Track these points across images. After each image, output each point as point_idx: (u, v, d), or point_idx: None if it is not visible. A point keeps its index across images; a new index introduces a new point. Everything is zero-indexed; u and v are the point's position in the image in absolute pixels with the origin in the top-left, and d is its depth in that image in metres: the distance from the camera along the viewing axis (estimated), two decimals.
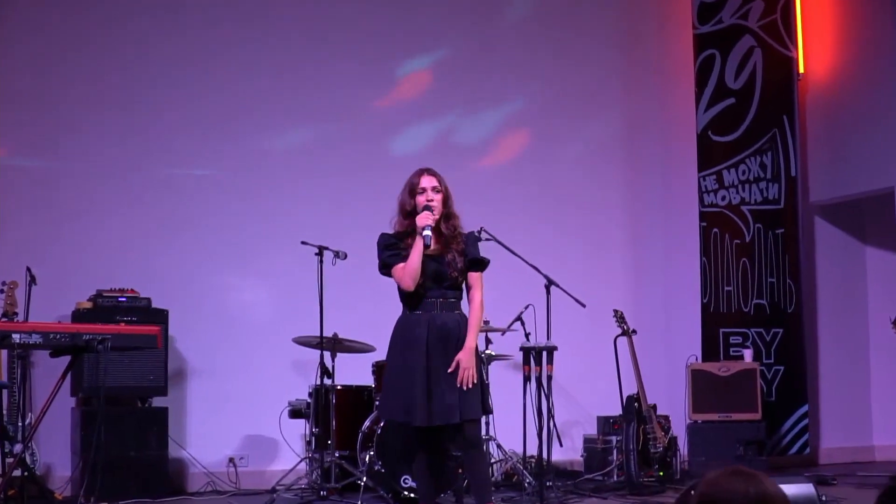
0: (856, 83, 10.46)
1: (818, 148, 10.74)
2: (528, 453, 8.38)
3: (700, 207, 10.33)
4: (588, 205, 10.29)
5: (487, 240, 8.12)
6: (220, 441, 8.98)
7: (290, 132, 9.66)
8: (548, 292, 7.84)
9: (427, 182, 6.05)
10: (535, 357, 7.85)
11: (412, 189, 6.05)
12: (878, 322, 10.84)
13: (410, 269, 5.97)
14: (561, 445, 8.62)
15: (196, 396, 9.08)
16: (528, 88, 10.36)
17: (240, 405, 9.07)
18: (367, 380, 8.48)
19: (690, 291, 10.35)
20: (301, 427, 8.73)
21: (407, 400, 5.93)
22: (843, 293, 11.03)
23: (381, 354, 8.28)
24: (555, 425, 8.05)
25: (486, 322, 8.57)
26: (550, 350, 7.86)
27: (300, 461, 8.64)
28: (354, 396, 8.45)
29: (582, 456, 9.63)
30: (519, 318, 8.64)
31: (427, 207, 6.00)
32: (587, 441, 9.61)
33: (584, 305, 8.24)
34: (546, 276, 7.87)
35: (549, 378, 7.81)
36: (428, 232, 5.94)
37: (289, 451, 8.96)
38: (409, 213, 6.04)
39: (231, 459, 9.02)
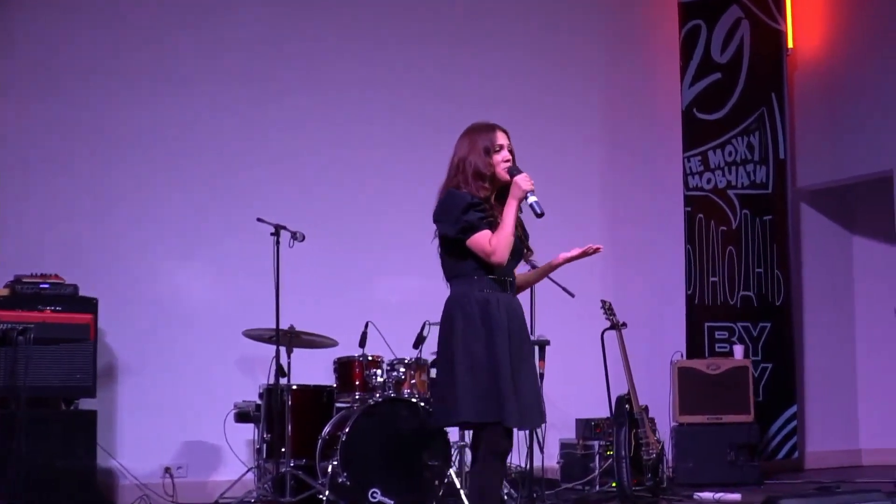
0: (849, 59, 9.79)
1: (807, 129, 10.06)
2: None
3: (685, 191, 9.55)
4: (566, 186, 9.41)
5: None
6: (154, 449, 8.12)
7: (243, 97, 8.73)
8: None
9: (503, 139, 5.05)
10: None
11: (488, 147, 5.00)
12: (865, 317, 10.37)
13: (509, 237, 4.89)
14: (542, 452, 7.74)
15: (128, 398, 8.17)
16: (503, 61, 9.53)
17: (178, 408, 8.20)
18: (328, 379, 7.70)
19: (674, 282, 9.60)
20: (249, 432, 7.97)
21: (499, 397, 4.83)
22: (829, 286, 10.37)
23: (343, 350, 7.61)
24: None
25: None
26: (542, 344, 7.10)
27: (247, 471, 7.83)
28: (313, 398, 7.59)
29: (559, 463, 8.77)
30: None
31: (515, 169, 4.98)
32: (565, 446, 8.75)
33: (573, 295, 7.56)
34: (531, 263, 7.11)
35: (541, 376, 6.94)
36: (535, 198, 4.91)
37: (234, 460, 8.13)
38: (486, 175, 4.98)
39: (167, 469, 8.16)
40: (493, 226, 4.87)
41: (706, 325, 9.53)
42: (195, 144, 8.52)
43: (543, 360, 7.16)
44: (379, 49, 9.14)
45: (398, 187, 8.91)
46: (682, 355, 9.24)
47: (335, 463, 6.98)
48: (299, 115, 8.81)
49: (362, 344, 7.48)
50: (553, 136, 9.56)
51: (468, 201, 4.86)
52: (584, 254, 5.11)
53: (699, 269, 9.54)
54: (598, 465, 8.41)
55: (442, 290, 8.89)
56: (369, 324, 7.52)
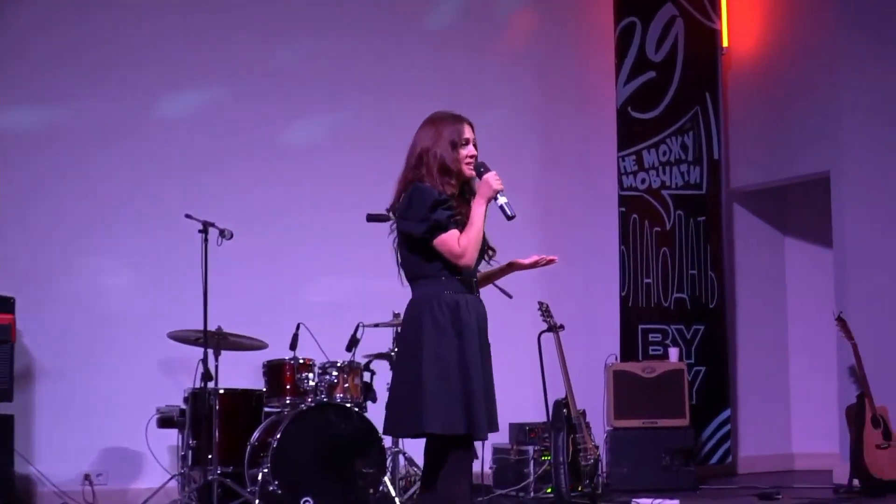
0: (784, 59, 9.70)
1: (741, 129, 9.97)
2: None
3: (619, 191, 9.40)
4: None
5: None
6: (74, 455, 7.85)
7: (170, 88, 8.45)
8: None
9: (469, 132, 4.76)
10: None
11: (454, 140, 4.70)
12: (798, 320, 10.31)
13: (478, 239, 4.61)
14: (476, 458, 7.51)
15: (46, 402, 7.87)
16: (432, 56, 9.31)
17: (99, 412, 7.91)
18: (257, 382, 7.48)
19: (608, 283, 9.44)
20: (172, 438, 7.62)
21: (469, 406, 4.54)
22: (761, 288, 10.29)
23: (273, 352, 7.38)
24: None
25: (396, 315, 7.47)
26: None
27: (171, 478, 7.55)
28: (241, 402, 7.38)
29: (491, 468, 8.56)
30: None
31: (483, 166, 4.69)
32: (498, 451, 8.56)
33: (510, 296, 7.26)
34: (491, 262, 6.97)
35: None
36: (506, 199, 4.66)
37: (157, 468, 7.83)
38: (453, 171, 4.69)
39: (87, 476, 7.90)
40: (461, 225, 4.61)
41: (640, 327, 9.40)
42: (119, 136, 8.21)
43: None
44: (312, 41, 8.88)
45: (330, 185, 8.67)
46: (616, 358, 9.10)
47: (265, 470, 6.78)
48: (229, 109, 8.54)
49: (293, 346, 7.26)
50: (484, 133, 9.28)
51: (436, 198, 4.57)
52: (536, 264, 4.87)
53: (633, 270, 9.41)
54: (532, 470, 8.22)
55: (375, 291, 8.63)
56: (301, 325, 7.31)
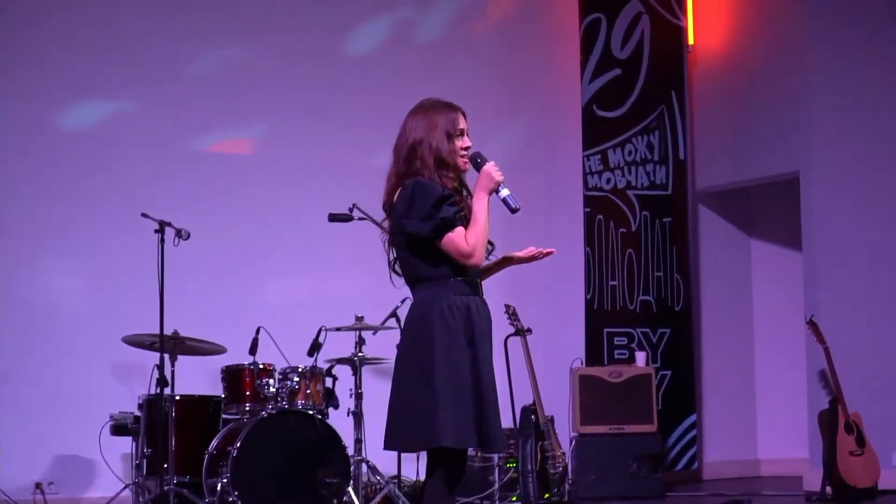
0: (752, 57, 9.56)
1: (707, 128, 9.82)
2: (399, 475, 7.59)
3: (584, 191, 9.24)
4: None
5: (361, 219, 7.07)
6: (24, 463, 7.75)
7: (127, 82, 8.26)
8: None
9: (463, 122, 4.48)
10: None
11: (449, 131, 4.43)
12: (763, 323, 10.17)
13: (485, 236, 4.35)
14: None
15: None
16: (393, 51, 9.11)
17: (50, 419, 7.83)
18: (214, 389, 7.32)
19: (573, 285, 9.27)
20: (126, 446, 7.45)
21: (481, 419, 4.28)
22: (727, 291, 10.14)
23: (232, 357, 7.21)
24: None
25: (360, 318, 7.28)
26: None
27: (124, 488, 7.41)
28: (198, 409, 7.18)
29: None
30: (394, 314, 7.42)
31: (480, 157, 4.43)
32: None
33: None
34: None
35: None
36: (508, 191, 4.40)
37: (110, 476, 7.66)
38: (450, 164, 4.43)
39: (38, 485, 7.75)
40: (464, 221, 4.34)
41: (605, 330, 9.24)
42: (73, 132, 8.06)
43: None
44: (268, 40, 8.66)
45: (290, 185, 8.47)
46: (581, 362, 8.92)
47: (225, 480, 6.60)
48: (186, 107, 8.33)
49: (253, 351, 7.07)
50: None
51: (440, 194, 4.29)
52: (534, 258, 4.63)
53: (598, 272, 9.25)
54: (497, 478, 8.03)
55: (338, 293, 8.47)
56: (261, 329, 7.12)
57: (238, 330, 7.23)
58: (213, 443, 6.84)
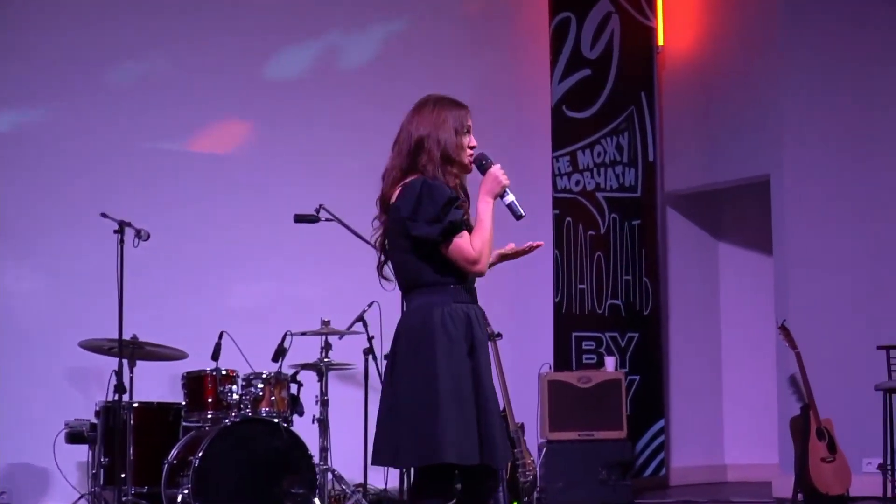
0: (722, 58, 9.45)
1: (676, 130, 9.70)
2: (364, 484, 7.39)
3: (553, 193, 9.08)
4: None
5: (328, 220, 6.89)
6: None
7: (89, 81, 8.00)
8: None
9: (470, 120, 4.29)
10: None
11: (457, 128, 4.22)
12: (731, 328, 10.07)
13: (491, 241, 4.17)
14: (407, 472, 7.16)
15: None
16: (358, 50, 8.89)
17: (2, 426, 7.49)
18: (174, 395, 7.10)
19: (541, 288, 9.10)
20: (82, 455, 7.27)
21: (484, 433, 4.06)
22: (694, 295, 10.02)
23: (193, 363, 7.00)
24: None
25: (326, 323, 7.09)
26: None
27: (80, 497, 7.21)
28: (158, 417, 7.00)
29: None
30: (361, 319, 7.23)
31: (486, 158, 4.25)
32: None
33: None
34: None
35: None
36: (513, 196, 4.22)
37: (65, 486, 7.43)
38: (456, 161, 4.22)
39: None
40: (468, 226, 4.15)
41: (574, 334, 9.08)
42: (28, 130, 7.82)
43: None
44: (228, 40, 8.42)
45: (254, 185, 8.24)
46: (549, 367, 8.76)
47: (186, 491, 6.42)
48: (148, 104, 8.10)
49: (215, 357, 6.86)
50: None
51: (449, 195, 4.08)
52: (520, 252, 4.48)
53: (567, 275, 9.09)
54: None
55: (304, 297, 8.26)
56: (223, 334, 6.92)
57: (200, 334, 7.03)
58: (174, 452, 6.64)
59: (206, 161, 8.21)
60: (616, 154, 9.30)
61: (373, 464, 4.30)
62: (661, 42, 9.63)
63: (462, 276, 4.15)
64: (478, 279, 4.28)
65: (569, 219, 9.09)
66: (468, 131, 4.23)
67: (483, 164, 4.22)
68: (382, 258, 4.27)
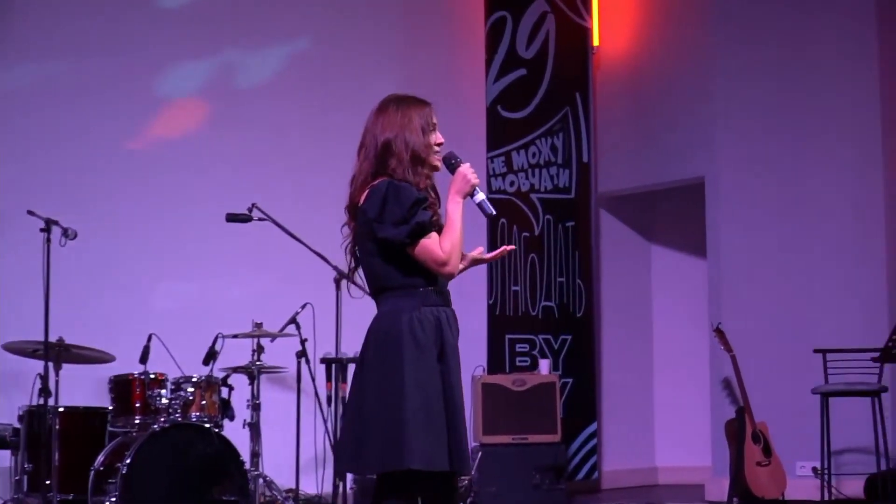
0: (656, 60, 9.39)
1: (610, 131, 9.62)
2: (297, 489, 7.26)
3: (487, 193, 8.93)
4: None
5: (261, 220, 6.76)
6: None
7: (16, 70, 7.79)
8: (337, 287, 6.70)
9: (436, 117, 4.24)
10: (342, 370, 6.27)
11: (424, 126, 4.15)
12: (662, 331, 10.02)
13: (460, 242, 4.09)
14: (342, 480, 7.03)
15: None
16: (287, 46, 8.70)
17: None
18: (101, 400, 6.89)
19: (475, 290, 8.95)
20: (5, 460, 7.02)
21: (452, 438, 3.98)
22: (627, 297, 9.96)
23: (121, 366, 6.81)
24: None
25: (259, 325, 6.93)
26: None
27: None
28: (84, 422, 6.78)
29: (351, 489, 8.00)
30: (293, 321, 7.08)
31: (455, 157, 4.18)
32: None
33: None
34: (336, 268, 6.65)
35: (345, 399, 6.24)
36: (484, 194, 4.16)
37: None
38: (425, 161, 4.13)
39: None
40: (437, 227, 4.07)
41: (507, 337, 8.98)
42: None
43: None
44: (164, 35, 8.21)
45: (185, 183, 8.03)
46: (483, 370, 8.65)
47: (113, 499, 6.22)
48: (75, 98, 7.86)
49: (144, 360, 6.69)
50: (345, 128, 8.72)
51: (416, 196, 4.00)
52: (493, 257, 4.44)
53: (501, 277, 8.98)
54: None
55: (235, 298, 8.08)
56: (152, 336, 6.74)
57: (128, 337, 6.86)
58: (100, 458, 6.44)
59: (137, 159, 7.98)
60: (551, 155, 9.22)
61: (336, 469, 4.25)
62: (596, 42, 9.55)
63: (432, 279, 4.08)
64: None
65: (503, 220, 8.98)
66: (434, 128, 4.17)
67: (452, 164, 4.16)
68: (353, 264, 4.19)
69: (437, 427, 3.95)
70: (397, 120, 4.10)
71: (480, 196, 4.13)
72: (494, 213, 4.17)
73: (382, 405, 3.96)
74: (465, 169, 4.12)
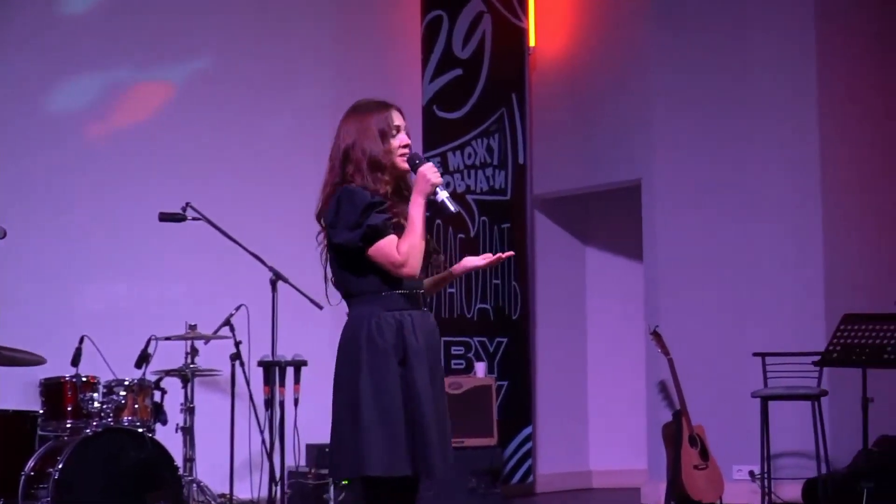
0: (593, 61, 9.32)
1: (546, 132, 9.54)
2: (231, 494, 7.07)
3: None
4: (293, 185, 8.40)
5: (195, 219, 6.60)
6: None
7: None
8: (274, 289, 6.56)
9: (399, 119, 4.19)
10: (280, 374, 6.11)
11: (384, 130, 4.11)
12: (598, 333, 9.95)
13: (420, 243, 4.02)
14: (277, 484, 6.89)
15: None
16: (213, 41, 8.49)
17: None
18: (31, 403, 6.66)
19: None
20: None
21: (418, 443, 3.96)
22: (562, 300, 9.89)
23: (52, 369, 6.61)
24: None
25: (193, 327, 6.77)
26: (299, 365, 6.18)
27: None
28: (13, 426, 6.52)
29: (286, 493, 7.84)
30: (227, 323, 6.94)
31: (418, 158, 4.15)
32: (294, 475, 7.86)
33: (321, 307, 6.68)
34: (272, 269, 6.60)
35: (296, 402, 6.11)
36: (447, 193, 4.09)
37: None
38: (385, 166, 4.09)
39: None
40: (399, 229, 4.02)
41: (443, 339, 8.86)
42: None
43: (299, 384, 6.32)
44: (90, 27, 7.99)
45: (117, 180, 7.81)
46: None
47: None
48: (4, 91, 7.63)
49: (75, 362, 6.45)
50: (279, 129, 8.62)
51: (368, 200, 3.98)
52: (490, 264, 4.32)
53: None
54: (333, 496, 7.58)
55: (168, 299, 7.90)
56: (85, 338, 6.52)
57: (59, 339, 6.67)
58: (31, 463, 6.21)
59: (68, 158, 7.75)
60: (487, 156, 9.15)
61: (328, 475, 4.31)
62: (532, 43, 9.49)
63: (396, 282, 4.03)
64: None
65: (438, 221, 8.88)
66: (398, 131, 4.13)
67: (415, 164, 4.12)
68: (327, 272, 4.16)
69: (396, 434, 3.94)
70: (355, 127, 4.11)
71: (443, 194, 4.08)
72: (455, 210, 4.11)
73: (344, 413, 3.99)
74: (426, 169, 4.07)
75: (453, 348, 8.92)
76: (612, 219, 9.86)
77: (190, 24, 8.35)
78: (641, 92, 8.83)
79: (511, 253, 4.51)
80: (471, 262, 4.28)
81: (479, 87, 9.16)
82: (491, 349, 9.04)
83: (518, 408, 9.11)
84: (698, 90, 8.63)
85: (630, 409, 9.42)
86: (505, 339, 9.11)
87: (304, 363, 6.47)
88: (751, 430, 7.86)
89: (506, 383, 9.04)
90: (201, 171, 8.02)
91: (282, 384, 6.31)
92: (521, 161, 9.26)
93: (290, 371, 6.37)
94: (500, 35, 9.28)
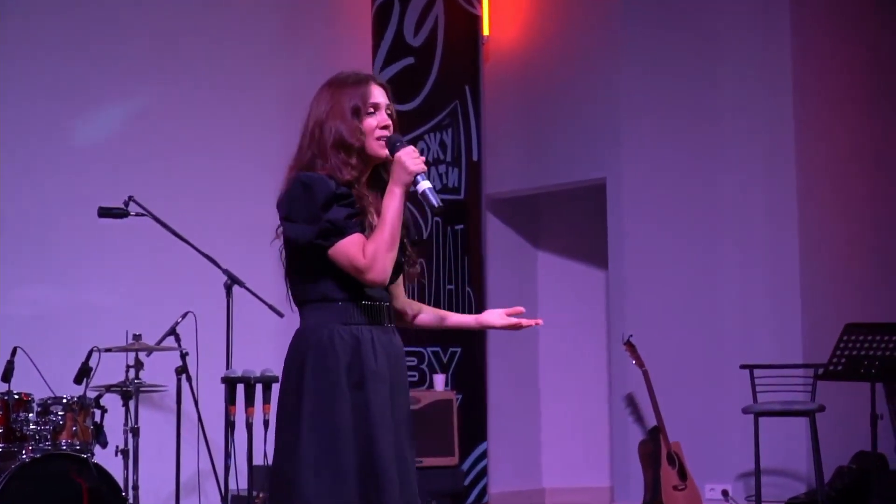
0: (554, 51, 8.77)
1: (501, 128, 8.98)
2: None
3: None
4: (244, 181, 7.74)
5: (139, 215, 5.96)
6: None
7: None
8: (228, 294, 6.06)
9: (379, 96, 3.52)
10: (247, 392, 5.43)
11: (357, 106, 3.46)
12: (550, 343, 9.37)
13: (391, 243, 3.40)
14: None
15: None
16: (152, 28, 7.76)
17: None
18: None
19: None
20: None
21: (370, 477, 3.32)
22: (513, 306, 9.24)
23: None
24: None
25: (137, 337, 6.06)
26: (269, 382, 5.50)
27: None
28: None
29: None
30: (173, 332, 6.30)
31: (399, 140, 3.48)
32: (237, 500, 7.13)
33: (281, 315, 6.09)
34: (227, 272, 6.08)
35: (266, 423, 5.46)
36: (429, 183, 3.44)
37: None
38: (354, 148, 3.43)
39: None
40: (369, 227, 3.41)
41: None
42: None
43: (269, 404, 5.63)
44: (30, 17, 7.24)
45: (49, 174, 7.04)
46: None
47: None
48: None
49: (7, 377, 5.74)
50: (226, 118, 7.89)
51: (331, 191, 3.34)
52: (514, 327, 3.81)
53: None
54: None
55: (109, 306, 7.14)
56: (17, 350, 5.81)
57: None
58: None
59: None
60: (440, 152, 8.57)
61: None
62: (486, 32, 8.93)
63: (358, 290, 3.41)
64: None
65: None
66: (375, 109, 3.50)
67: (396, 147, 3.47)
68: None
69: (342, 467, 3.34)
70: (326, 102, 3.51)
71: (424, 185, 3.44)
72: (440, 204, 3.48)
73: (283, 440, 3.42)
74: (404, 154, 3.43)
75: (406, 359, 8.28)
76: (566, 220, 9.34)
77: (130, 14, 7.63)
78: (605, 84, 8.35)
79: (540, 321, 3.87)
80: (490, 321, 3.81)
81: (432, 77, 8.62)
82: (445, 359, 8.46)
83: (473, 422, 8.52)
84: (667, 82, 8.19)
85: (589, 424, 8.93)
86: (459, 349, 8.53)
87: (276, 379, 5.77)
88: (725, 445, 7.50)
89: (460, 396, 8.46)
90: (145, 162, 7.27)
91: (250, 403, 5.59)
92: (475, 158, 8.71)
93: (259, 388, 5.64)
94: (453, 22, 8.73)
